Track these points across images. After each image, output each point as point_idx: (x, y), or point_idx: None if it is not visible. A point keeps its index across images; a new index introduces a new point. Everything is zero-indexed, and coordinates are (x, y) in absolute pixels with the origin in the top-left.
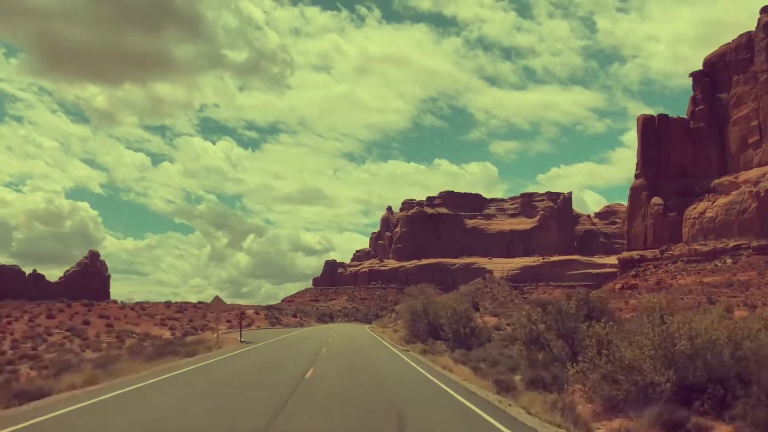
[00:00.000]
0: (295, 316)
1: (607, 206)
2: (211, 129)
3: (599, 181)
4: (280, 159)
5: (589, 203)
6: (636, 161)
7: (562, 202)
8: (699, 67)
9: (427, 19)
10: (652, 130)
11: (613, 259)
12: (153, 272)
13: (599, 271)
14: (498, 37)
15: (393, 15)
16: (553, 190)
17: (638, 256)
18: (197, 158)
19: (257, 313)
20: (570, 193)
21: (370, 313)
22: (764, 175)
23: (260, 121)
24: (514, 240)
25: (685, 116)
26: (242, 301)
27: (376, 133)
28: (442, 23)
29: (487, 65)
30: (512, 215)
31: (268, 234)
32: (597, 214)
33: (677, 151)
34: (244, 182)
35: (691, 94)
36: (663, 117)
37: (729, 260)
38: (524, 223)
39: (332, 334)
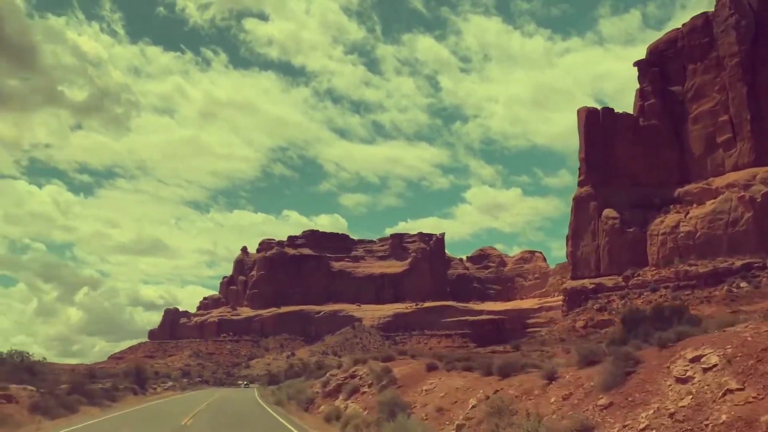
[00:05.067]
0: None
1: (479, 250)
2: (39, 171)
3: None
4: (116, 206)
5: None
6: (579, 164)
7: (434, 244)
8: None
9: (276, 67)
10: (598, 127)
11: (489, 306)
12: None
13: (476, 318)
14: (347, 90)
15: (240, 61)
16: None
17: (592, 285)
18: (21, 203)
19: None
20: (443, 234)
21: (220, 371)
22: (754, 177)
23: (95, 164)
24: (385, 284)
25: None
26: (72, 361)
27: (222, 181)
28: (291, 72)
29: (337, 117)
30: (382, 257)
31: (103, 287)
32: (469, 258)
33: (626, 153)
34: (75, 230)
35: (637, 86)
36: (608, 112)
37: (744, 284)
38: (395, 266)
39: None
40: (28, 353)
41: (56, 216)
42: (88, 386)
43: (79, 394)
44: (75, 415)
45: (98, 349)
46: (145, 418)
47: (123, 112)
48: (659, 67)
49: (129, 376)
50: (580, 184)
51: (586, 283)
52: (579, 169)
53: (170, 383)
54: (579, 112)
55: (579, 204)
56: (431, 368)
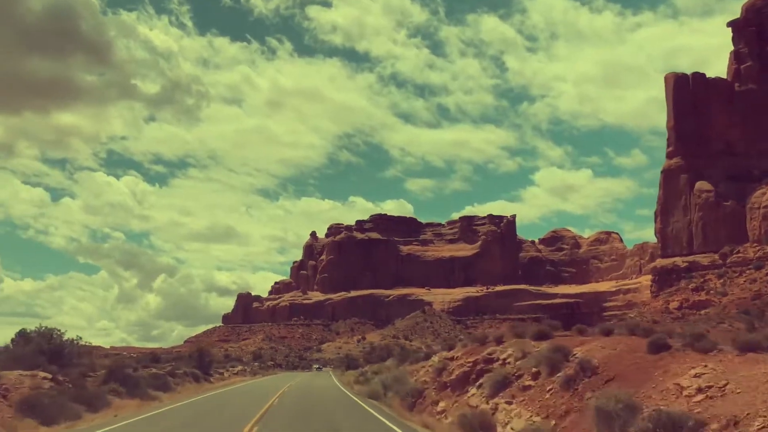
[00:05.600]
0: None
1: (552, 231)
2: (116, 163)
3: None
4: (190, 195)
5: None
6: (667, 135)
7: (505, 226)
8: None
9: (340, 53)
10: (687, 92)
11: (564, 289)
12: (55, 315)
13: (550, 301)
14: (411, 74)
15: (305, 49)
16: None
17: (685, 264)
18: (100, 194)
19: None
20: (513, 216)
21: (292, 355)
22: None
23: (168, 155)
24: (454, 268)
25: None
26: (152, 345)
27: (290, 169)
28: (355, 58)
29: (401, 102)
30: (451, 241)
31: (179, 274)
32: (541, 240)
33: (721, 121)
34: (151, 219)
35: (731, 48)
36: (699, 77)
37: None
38: (465, 249)
39: None
40: (59, 330)
41: (133, 206)
42: (137, 372)
43: (117, 383)
44: (93, 415)
45: (176, 334)
46: (184, 423)
47: (194, 103)
48: (756, 27)
49: (193, 360)
50: (669, 155)
51: (678, 261)
52: (667, 139)
53: (239, 367)
54: (666, 78)
55: (668, 177)
56: (658, 348)
